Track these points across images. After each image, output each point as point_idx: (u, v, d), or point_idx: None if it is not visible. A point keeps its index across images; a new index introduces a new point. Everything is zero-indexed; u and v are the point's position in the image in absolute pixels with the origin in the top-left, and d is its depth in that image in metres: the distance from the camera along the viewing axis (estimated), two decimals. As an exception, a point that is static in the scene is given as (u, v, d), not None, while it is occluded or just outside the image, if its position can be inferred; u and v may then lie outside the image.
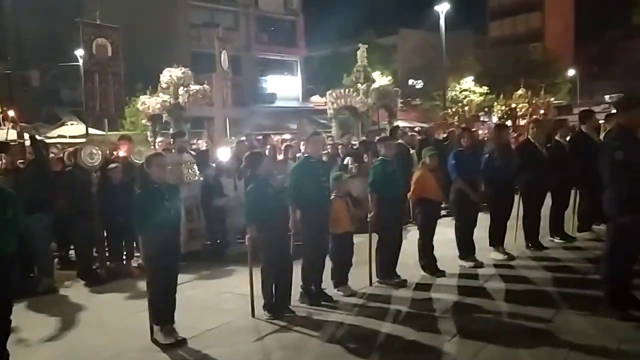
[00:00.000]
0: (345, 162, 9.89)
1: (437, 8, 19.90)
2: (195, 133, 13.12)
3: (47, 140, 16.43)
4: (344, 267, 5.95)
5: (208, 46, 32.07)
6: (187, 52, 27.77)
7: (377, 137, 7.47)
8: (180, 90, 9.82)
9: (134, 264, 7.88)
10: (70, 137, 18.00)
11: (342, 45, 32.92)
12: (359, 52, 13.97)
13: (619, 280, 4.81)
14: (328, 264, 5.86)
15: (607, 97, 29.38)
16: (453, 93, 32.37)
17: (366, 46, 14.25)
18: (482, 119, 27.46)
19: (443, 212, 7.67)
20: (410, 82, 36.06)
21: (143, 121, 11.13)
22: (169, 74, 10.19)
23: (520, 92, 19.44)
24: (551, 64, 36.83)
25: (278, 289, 5.29)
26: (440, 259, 6.67)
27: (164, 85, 10.27)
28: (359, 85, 13.61)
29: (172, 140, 8.34)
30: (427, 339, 4.49)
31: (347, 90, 13.82)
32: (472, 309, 5.21)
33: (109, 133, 15.87)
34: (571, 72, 38.43)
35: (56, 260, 7.92)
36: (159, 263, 4.45)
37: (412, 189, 6.45)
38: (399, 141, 9.36)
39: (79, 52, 22.35)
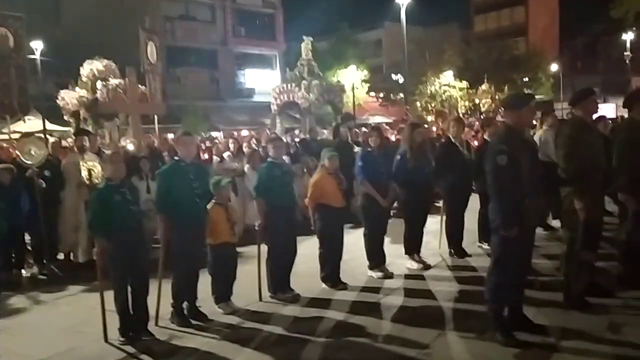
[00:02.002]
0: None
1: (397, 0, 18.94)
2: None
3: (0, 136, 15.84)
4: (225, 282, 5.37)
5: (184, 40, 31.59)
6: (161, 46, 26.98)
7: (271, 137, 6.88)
8: (99, 85, 9.16)
9: (27, 273, 7.34)
10: (26, 133, 17.39)
11: (322, 40, 32.21)
12: (303, 45, 13.31)
13: (506, 299, 4.26)
14: (208, 278, 5.31)
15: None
16: (433, 88, 31.70)
17: (311, 39, 13.59)
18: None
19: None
20: (393, 76, 35.42)
21: (65, 117, 10.53)
22: (90, 67, 9.53)
23: (483, 87, 18.70)
24: (534, 59, 36.22)
25: (135, 309, 4.72)
26: (356, 268, 6.19)
27: (84, 79, 9.62)
28: (304, 80, 12.93)
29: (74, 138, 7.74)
30: (278, 371, 3.93)
31: (289, 85, 13.15)
32: (351, 331, 4.65)
33: (68, 129, 15.21)
34: (554, 67, 37.83)
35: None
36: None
37: (309, 193, 5.87)
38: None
39: (35, 44, 21.65)
